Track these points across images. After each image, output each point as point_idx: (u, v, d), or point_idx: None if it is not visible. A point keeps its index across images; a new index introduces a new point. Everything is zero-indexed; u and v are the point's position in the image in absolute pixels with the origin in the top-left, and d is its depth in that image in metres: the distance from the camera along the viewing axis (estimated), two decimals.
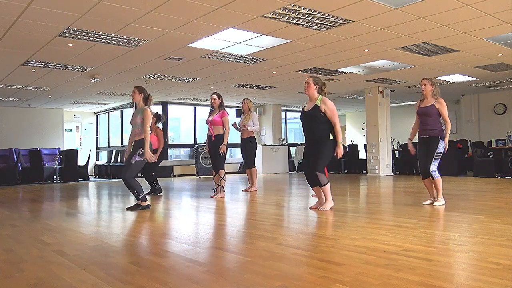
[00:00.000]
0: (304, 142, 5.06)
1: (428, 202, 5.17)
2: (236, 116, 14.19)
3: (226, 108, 6.66)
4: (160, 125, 7.60)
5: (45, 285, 2.34)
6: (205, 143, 13.38)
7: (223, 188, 6.62)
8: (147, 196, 5.73)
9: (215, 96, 6.56)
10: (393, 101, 13.52)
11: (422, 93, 5.15)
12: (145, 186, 5.70)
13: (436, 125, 5.03)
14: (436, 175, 5.00)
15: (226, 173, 6.89)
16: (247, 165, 7.41)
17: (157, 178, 7.50)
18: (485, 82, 11.20)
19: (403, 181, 9.59)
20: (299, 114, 20.51)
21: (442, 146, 4.99)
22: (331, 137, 4.78)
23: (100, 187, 10.00)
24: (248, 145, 7.30)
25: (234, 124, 7.31)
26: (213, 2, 5.02)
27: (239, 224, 4.49)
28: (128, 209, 5.36)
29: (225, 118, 6.48)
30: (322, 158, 4.78)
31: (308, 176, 4.98)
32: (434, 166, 4.98)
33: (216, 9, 5.23)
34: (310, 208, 5.07)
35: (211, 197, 6.58)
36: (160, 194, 7.38)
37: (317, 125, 4.79)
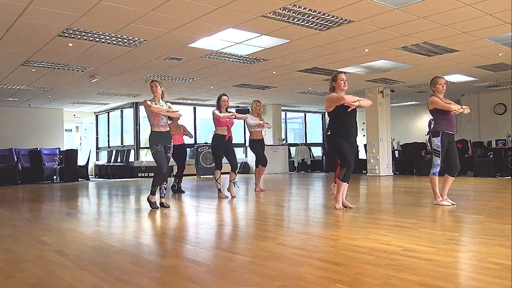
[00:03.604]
0: (344, 136, 4.86)
1: (448, 203, 5.07)
2: None
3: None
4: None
5: (45, 285, 2.34)
6: (205, 143, 13.16)
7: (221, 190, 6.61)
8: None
9: (227, 97, 6.57)
10: (393, 101, 13.51)
11: (442, 92, 5.08)
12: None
13: None
14: None
15: (227, 173, 6.93)
16: (266, 163, 7.35)
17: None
18: (485, 82, 11.20)
19: (403, 181, 9.59)
20: (299, 114, 20.18)
21: None
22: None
23: (100, 187, 10.00)
24: (263, 145, 7.39)
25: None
26: (213, 2, 5.02)
27: (239, 224, 4.50)
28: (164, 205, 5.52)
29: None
30: None
31: (351, 171, 4.96)
32: None
33: (216, 9, 5.23)
34: (339, 208, 4.87)
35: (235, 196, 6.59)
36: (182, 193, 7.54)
37: (356, 118, 4.98)
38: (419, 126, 15.54)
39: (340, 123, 4.87)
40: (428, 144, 11.80)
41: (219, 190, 6.55)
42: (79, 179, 12.18)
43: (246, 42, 6.79)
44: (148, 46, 6.81)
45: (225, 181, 7.05)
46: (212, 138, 6.60)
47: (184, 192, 7.58)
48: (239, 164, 14.48)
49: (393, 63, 8.73)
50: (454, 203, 5.06)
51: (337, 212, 4.75)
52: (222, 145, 6.46)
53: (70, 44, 6.56)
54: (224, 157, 6.54)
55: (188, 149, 14.27)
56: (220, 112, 6.45)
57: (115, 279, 2.40)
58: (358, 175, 11.93)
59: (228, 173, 6.76)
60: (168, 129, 5.52)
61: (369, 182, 9.37)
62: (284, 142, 15.51)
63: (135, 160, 13.54)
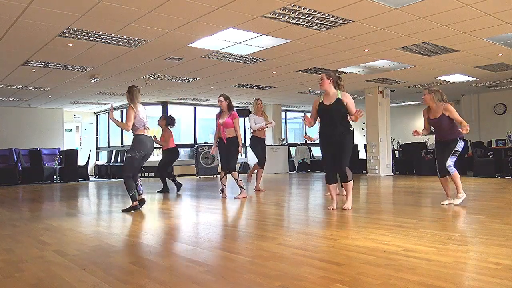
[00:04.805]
0: (321, 136, 4.89)
1: (447, 202, 5.12)
2: (239, 116, 14.17)
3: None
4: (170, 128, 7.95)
5: (45, 285, 2.34)
6: (205, 143, 13.23)
7: (243, 188, 6.51)
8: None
9: (221, 98, 6.44)
10: (393, 101, 13.51)
11: (429, 101, 5.20)
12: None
13: (452, 129, 5.06)
14: (452, 170, 5.03)
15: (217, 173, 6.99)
16: (263, 164, 7.32)
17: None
18: (485, 82, 11.20)
19: (403, 181, 9.59)
20: (299, 114, 20.18)
21: (461, 145, 5.04)
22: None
23: (100, 187, 10.00)
24: (264, 144, 7.34)
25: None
26: (213, 2, 5.02)
27: (239, 224, 4.50)
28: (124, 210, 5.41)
29: (236, 120, 6.46)
30: (348, 151, 4.87)
31: (332, 172, 4.94)
32: (450, 162, 5.02)
33: (216, 9, 5.23)
34: (331, 209, 4.87)
35: (235, 197, 6.46)
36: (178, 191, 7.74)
37: (341, 118, 4.82)
38: (419, 126, 15.39)
39: (320, 123, 4.97)
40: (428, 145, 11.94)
41: (222, 190, 6.59)
42: (79, 179, 12.18)
43: (246, 42, 6.79)
44: (148, 46, 6.81)
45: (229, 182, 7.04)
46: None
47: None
48: (238, 164, 14.50)
49: (393, 63, 8.73)
50: (444, 204, 5.10)
51: (337, 212, 4.75)
52: (221, 149, 6.51)
53: (70, 44, 6.56)
54: (220, 158, 6.64)
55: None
56: (219, 113, 6.51)
57: (115, 279, 2.40)
58: (358, 175, 11.92)
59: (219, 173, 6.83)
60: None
61: (369, 182, 9.37)
62: (284, 142, 15.50)
63: None
